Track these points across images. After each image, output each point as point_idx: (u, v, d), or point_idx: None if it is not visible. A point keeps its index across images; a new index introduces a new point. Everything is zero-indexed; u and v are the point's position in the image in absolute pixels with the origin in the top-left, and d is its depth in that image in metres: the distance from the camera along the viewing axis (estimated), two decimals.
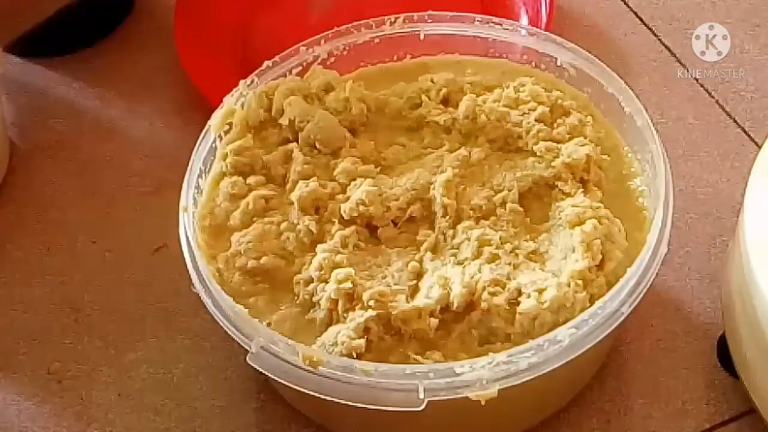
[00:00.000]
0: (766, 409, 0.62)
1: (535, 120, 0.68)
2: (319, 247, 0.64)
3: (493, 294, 0.60)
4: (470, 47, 0.73)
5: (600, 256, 0.62)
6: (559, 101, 0.69)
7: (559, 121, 0.69)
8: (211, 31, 0.87)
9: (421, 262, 0.64)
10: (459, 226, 0.64)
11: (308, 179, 0.66)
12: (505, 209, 0.65)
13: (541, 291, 0.60)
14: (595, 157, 0.66)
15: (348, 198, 0.65)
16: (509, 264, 0.62)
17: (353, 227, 0.65)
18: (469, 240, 0.63)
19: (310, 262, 0.63)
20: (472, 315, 0.61)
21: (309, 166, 0.67)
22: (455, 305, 0.61)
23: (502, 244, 0.63)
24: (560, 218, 0.64)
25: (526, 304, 0.60)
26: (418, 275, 0.63)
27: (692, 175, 0.78)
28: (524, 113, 0.69)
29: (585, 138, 0.67)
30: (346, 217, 0.65)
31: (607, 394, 0.68)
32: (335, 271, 0.62)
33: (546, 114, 0.68)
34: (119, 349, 0.72)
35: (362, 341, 0.59)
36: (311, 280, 0.63)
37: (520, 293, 0.61)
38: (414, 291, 0.63)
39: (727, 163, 0.79)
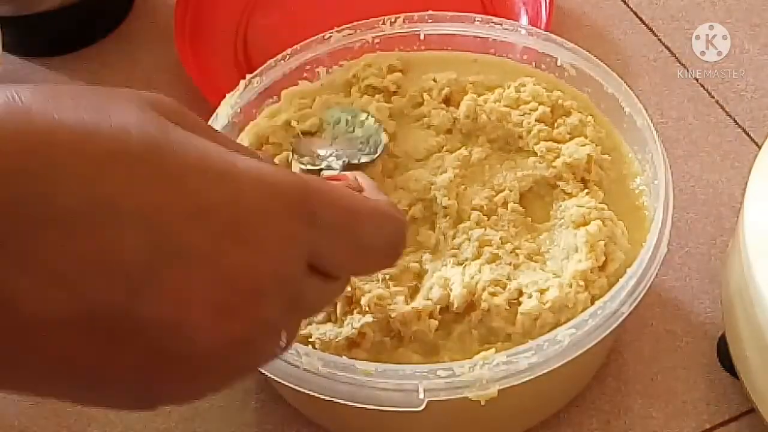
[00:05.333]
0: (766, 409, 0.62)
1: (536, 120, 0.68)
2: None
3: (493, 294, 0.60)
4: (470, 47, 0.73)
5: (603, 257, 0.62)
6: (560, 101, 0.69)
7: (559, 121, 0.68)
8: (211, 30, 0.87)
9: (421, 262, 0.64)
10: (459, 226, 0.64)
11: None
12: (507, 209, 0.65)
13: (542, 291, 0.60)
14: (596, 157, 0.66)
15: None
16: (510, 264, 0.62)
17: None
18: (470, 240, 0.63)
19: None
20: (472, 315, 0.61)
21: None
22: (455, 306, 0.61)
23: (502, 244, 0.63)
24: (562, 218, 0.64)
25: (527, 305, 0.60)
26: (418, 276, 0.63)
27: (692, 175, 0.78)
28: (525, 113, 0.69)
29: (585, 138, 0.68)
30: None
31: (607, 394, 0.68)
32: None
33: (547, 114, 0.68)
34: None
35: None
36: None
37: (520, 293, 0.61)
38: (414, 291, 0.62)
39: (727, 163, 0.79)
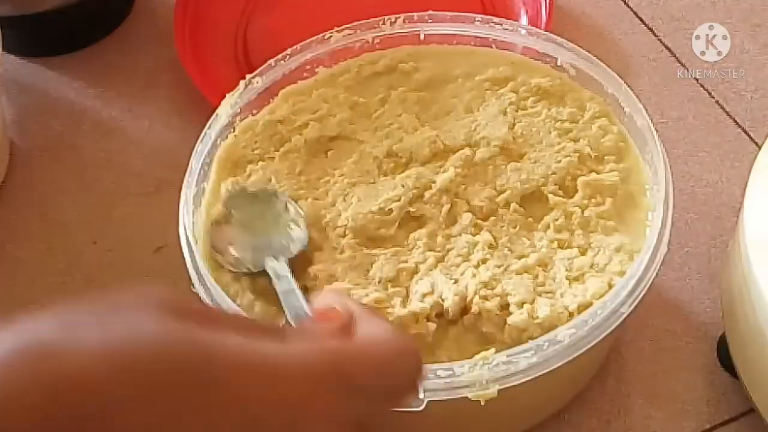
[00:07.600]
0: (766, 409, 0.62)
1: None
2: (315, 256, 0.63)
3: (485, 298, 0.60)
4: None
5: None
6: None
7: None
8: (211, 31, 0.87)
9: (418, 262, 0.64)
10: (453, 227, 0.64)
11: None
12: (508, 209, 0.65)
13: (533, 304, 0.60)
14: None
15: (350, 205, 0.65)
16: (506, 268, 0.62)
17: (351, 234, 0.64)
18: (468, 241, 0.63)
19: (306, 270, 0.63)
20: (464, 319, 0.61)
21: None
22: (450, 314, 0.61)
23: (500, 247, 0.63)
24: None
25: (516, 317, 0.59)
26: (414, 274, 0.63)
27: (692, 175, 0.78)
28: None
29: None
30: (344, 228, 0.65)
31: (607, 394, 0.68)
32: (327, 287, 0.61)
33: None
34: None
35: None
36: (306, 289, 0.62)
37: (509, 304, 0.60)
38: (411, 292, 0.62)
39: (727, 163, 0.79)
